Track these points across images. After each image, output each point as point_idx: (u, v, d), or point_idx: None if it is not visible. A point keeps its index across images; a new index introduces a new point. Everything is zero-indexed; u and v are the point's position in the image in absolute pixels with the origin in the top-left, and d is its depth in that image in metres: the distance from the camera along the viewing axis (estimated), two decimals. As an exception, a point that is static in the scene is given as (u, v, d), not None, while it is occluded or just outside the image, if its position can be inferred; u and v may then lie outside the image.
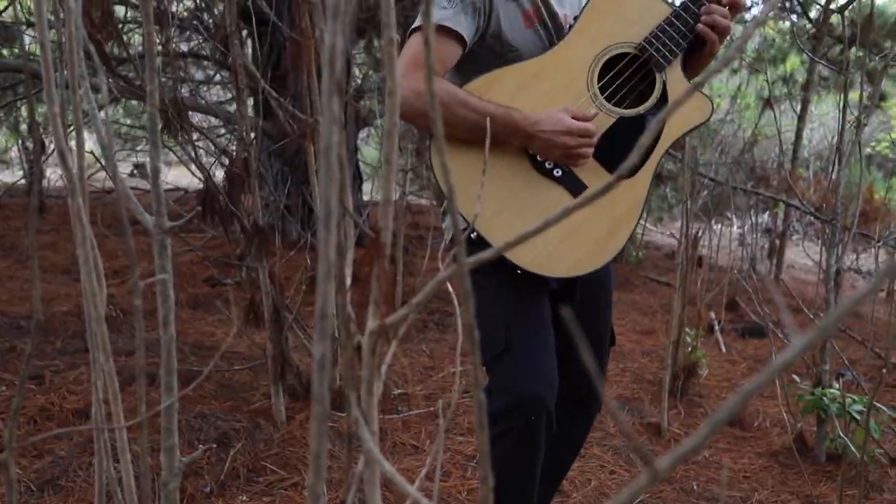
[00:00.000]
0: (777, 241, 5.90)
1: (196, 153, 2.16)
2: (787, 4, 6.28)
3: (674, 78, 1.32)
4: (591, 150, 1.28)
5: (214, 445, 2.04)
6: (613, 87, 1.32)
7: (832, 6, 5.38)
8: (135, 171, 7.86)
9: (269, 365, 2.31)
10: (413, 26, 1.32)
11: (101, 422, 0.73)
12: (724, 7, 1.32)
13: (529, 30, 1.36)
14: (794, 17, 6.11)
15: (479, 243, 1.29)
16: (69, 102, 0.77)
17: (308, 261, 2.71)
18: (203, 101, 3.70)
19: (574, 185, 1.30)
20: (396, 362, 2.98)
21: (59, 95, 0.72)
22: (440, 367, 2.96)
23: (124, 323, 2.85)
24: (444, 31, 1.28)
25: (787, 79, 6.45)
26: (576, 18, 1.35)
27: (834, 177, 2.49)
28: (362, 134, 6.49)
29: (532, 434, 1.28)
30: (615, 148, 1.30)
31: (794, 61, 7.20)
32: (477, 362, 0.42)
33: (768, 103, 4.06)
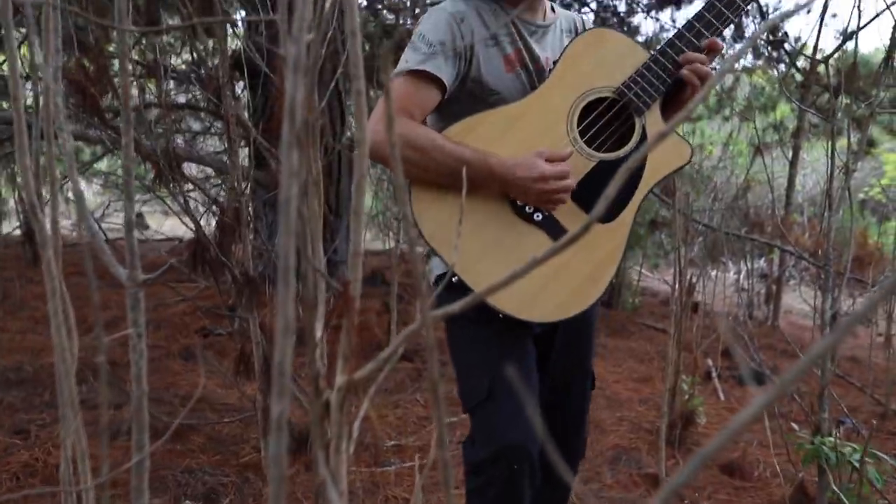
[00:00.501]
0: (773, 287, 5.90)
1: (187, 203, 2.16)
2: (776, 54, 6.41)
3: (653, 122, 1.33)
4: (567, 194, 1.28)
5: (200, 502, 1.99)
6: (594, 130, 1.33)
7: (818, 56, 5.49)
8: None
9: (259, 417, 2.27)
10: (395, 72, 1.32)
11: (70, 481, 0.71)
12: (703, 52, 1.33)
13: (511, 74, 1.37)
14: (782, 66, 6.22)
15: (462, 289, 1.28)
16: (56, 153, 0.76)
17: (300, 311, 2.69)
18: (197, 152, 3.73)
19: (555, 230, 1.30)
20: (390, 413, 2.94)
21: (35, 147, 0.72)
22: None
23: (110, 374, 2.81)
24: (423, 75, 1.28)
25: (777, 126, 6.53)
26: (555, 62, 1.36)
27: (825, 223, 2.50)
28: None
29: (515, 483, 1.26)
30: (596, 192, 1.30)
31: (784, 109, 7.30)
32: (441, 418, 0.41)
33: (759, 151, 4.09)
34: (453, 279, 1.30)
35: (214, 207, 2.34)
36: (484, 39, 1.35)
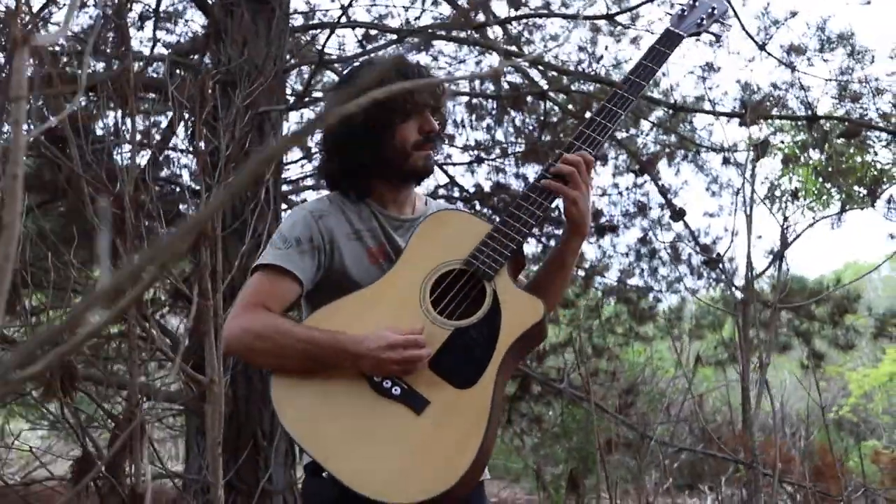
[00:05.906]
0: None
1: (78, 417, 2.08)
2: (713, 276, 6.72)
3: (503, 284, 1.35)
4: (420, 361, 1.26)
5: None
6: (446, 301, 1.35)
7: (752, 274, 5.77)
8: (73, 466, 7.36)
9: None
10: (252, 265, 1.38)
11: None
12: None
13: (374, 265, 1.42)
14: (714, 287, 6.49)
15: (333, 481, 1.22)
16: None
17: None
18: (103, 371, 3.67)
19: (416, 402, 1.26)
20: None
21: None
22: None
23: None
24: (279, 270, 1.35)
25: (727, 343, 6.63)
26: (404, 247, 1.41)
27: (747, 417, 2.45)
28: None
29: None
30: (454, 359, 1.29)
31: (729, 328, 7.48)
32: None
33: (698, 361, 4.14)
34: (324, 473, 1.25)
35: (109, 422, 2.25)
36: (346, 234, 1.42)
